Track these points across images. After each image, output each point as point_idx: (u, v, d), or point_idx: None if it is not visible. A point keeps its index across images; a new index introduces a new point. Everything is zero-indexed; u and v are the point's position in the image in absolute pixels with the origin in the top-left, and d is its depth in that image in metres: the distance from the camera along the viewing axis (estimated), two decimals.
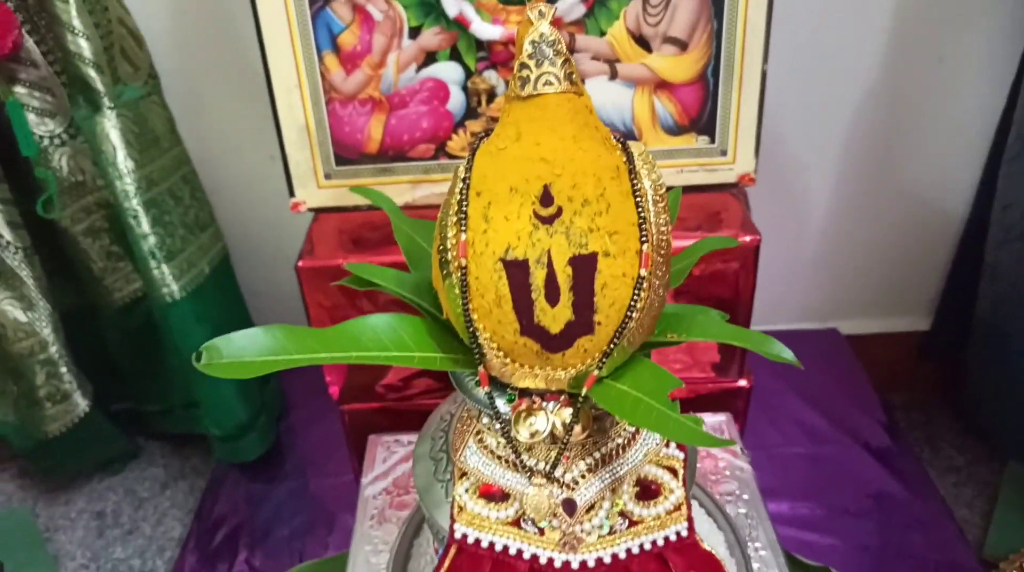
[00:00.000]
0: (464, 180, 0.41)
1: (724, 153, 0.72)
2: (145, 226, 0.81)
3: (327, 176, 0.73)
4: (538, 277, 0.40)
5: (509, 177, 0.40)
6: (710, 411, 0.74)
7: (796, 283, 1.07)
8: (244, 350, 0.42)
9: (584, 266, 0.40)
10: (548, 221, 0.40)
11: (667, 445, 0.48)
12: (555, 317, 0.40)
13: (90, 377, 0.96)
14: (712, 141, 0.71)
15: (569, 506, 0.45)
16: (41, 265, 0.88)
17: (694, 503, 0.48)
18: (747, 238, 0.67)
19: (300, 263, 0.69)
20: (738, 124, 0.70)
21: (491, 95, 0.69)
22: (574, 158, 0.40)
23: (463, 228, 0.41)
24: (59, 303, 0.91)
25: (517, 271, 0.40)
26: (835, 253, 1.04)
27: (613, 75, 0.69)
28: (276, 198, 0.98)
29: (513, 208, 0.40)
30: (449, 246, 0.41)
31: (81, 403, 0.95)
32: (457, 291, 0.41)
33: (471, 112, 0.70)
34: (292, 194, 0.73)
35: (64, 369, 0.91)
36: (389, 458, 0.72)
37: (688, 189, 0.73)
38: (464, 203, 0.41)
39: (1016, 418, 0.99)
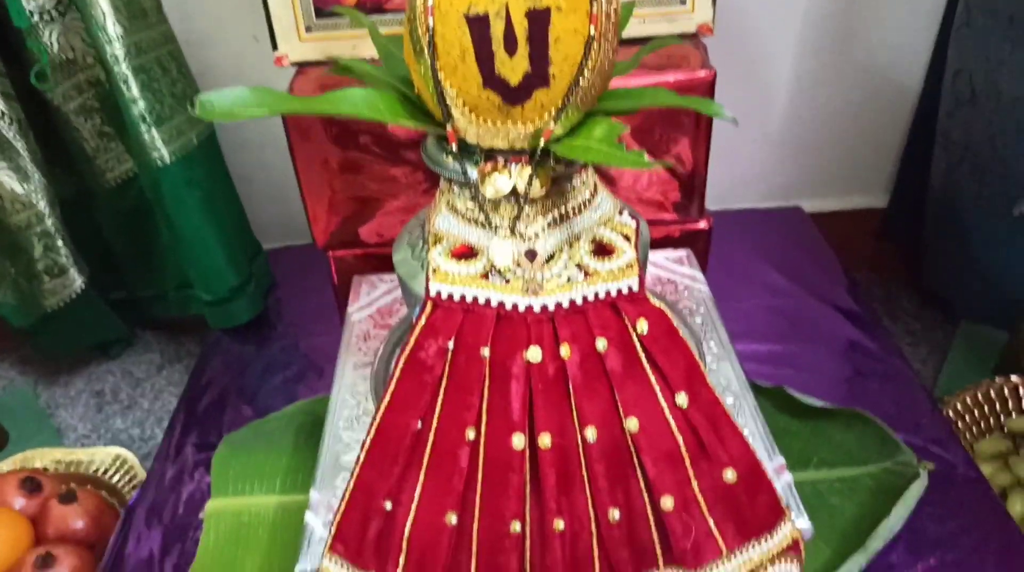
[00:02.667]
0: None
1: (683, 2, 0.76)
2: (135, 90, 0.84)
3: (308, 29, 0.76)
4: (497, 29, 0.44)
5: None
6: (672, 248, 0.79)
7: (760, 163, 1.11)
8: (233, 103, 0.46)
9: (539, 19, 0.44)
10: None
11: (620, 213, 0.53)
12: (514, 68, 0.45)
13: (90, 276, 1.00)
14: None
15: (531, 255, 0.50)
16: (36, 142, 0.92)
17: None
18: (702, 72, 0.72)
19: None
20: None
21: None
22: None
23: None
24: (55, 190, 0.95)
25: (479, 25, 0.44)
26: (797, 132, 1.08)
27: None
28: (261, 81, 1.02)
29: None
30: (418, 13, 0.46)
31: (77, 279, 0.99)
32: (426, 54, 0.46)
33: None
34: (275, 48, 0.77)
35: (60, 242, 0.95)
36: (372, 292, 0.77)
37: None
38: None
39: (969, 281, 1.05)
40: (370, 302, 0.75)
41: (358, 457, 0.51)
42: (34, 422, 1.05)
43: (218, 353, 0.95)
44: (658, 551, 0.50)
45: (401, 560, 0.50)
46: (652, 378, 0.50)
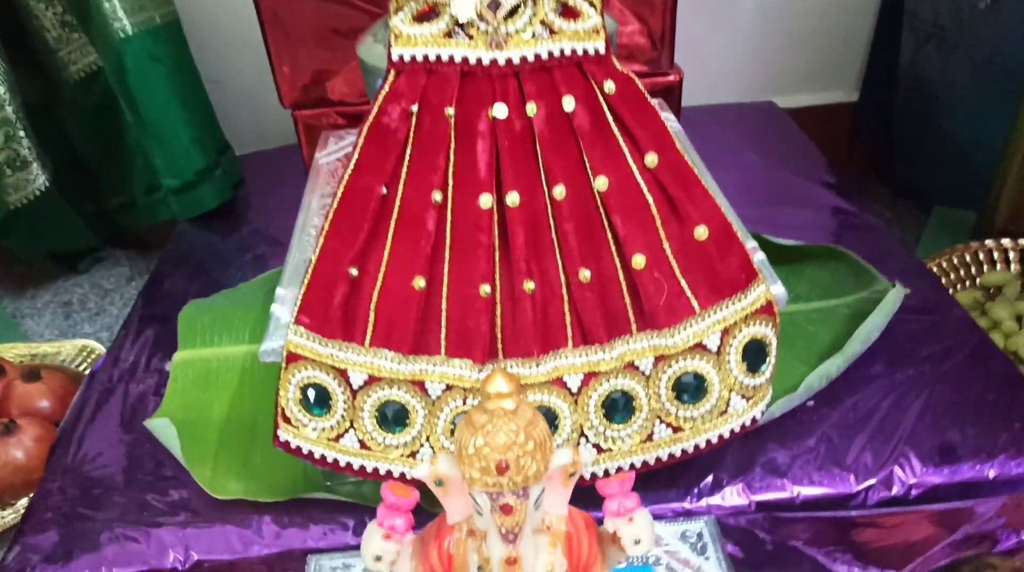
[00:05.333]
0: None
1: None
2: None
3: None
4: None
5: None
6: None
7: (732, 59, 1.11)
8: None
9: None
10: None
11: None
12: None
13: (55, 176, 0.98)
14: None
15: (493, 6, 0.49)
16: None
17: None
18: None
19: None
20: None
21: None
22: None
23: None
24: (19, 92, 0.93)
25: None
26: (767, 25, 1.09)
27: None
28: None
29: None
30: None
31: (40, 175, 0.97)
32: None
33: None
34: None
35: (22, 133, 0.93)
36: (340, 143, 0.75)
37: None
38: None
39: (939, 165, 1.05)
40: (338, 149, 0.74)
41: (322, 227, 0.50)
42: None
43: (185, 239, 0.93)
44: (631, 315, 0.49)
45: (369, 328, 0.49)
46: (620, 139, 0.50)
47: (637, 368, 0.49)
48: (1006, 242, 0.89)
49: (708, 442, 0.50)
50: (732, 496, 0.56)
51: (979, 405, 0.61)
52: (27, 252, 1.07)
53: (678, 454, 0.50)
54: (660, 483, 0.56)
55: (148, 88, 0.88)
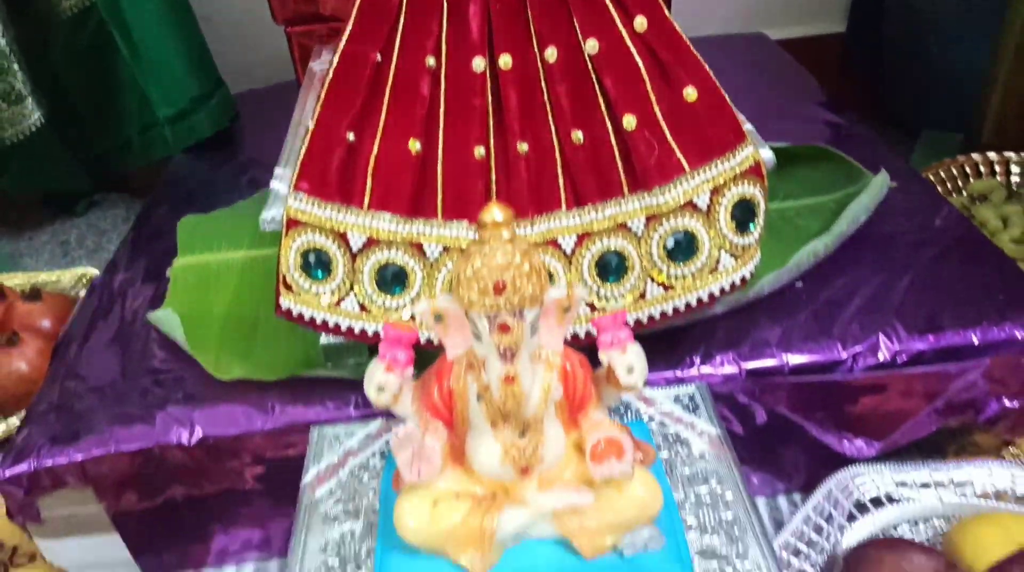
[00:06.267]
0: None
1: None
2: None
3: None
4: None
5: None
6: None
7: None
8: None
9: None
10: None
11: None
12: None
13: (49, 119, 0.99)
14: None
15: None
16: None
17: None
18: None
19: None
20: None
21: None
22: None
23: None
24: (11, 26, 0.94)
25: None
26: None
27: None
28: None
29: None
30: None
31: (35, 111, 0.97)
32: None
33: None
34: None
35: (16, 66, 0.94)
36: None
37: None
38: None
39: (927, 89, 1.06)
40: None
41: (318, 95, 0.51)
42: None
43: (182, 168, 0.94)
44: (622, 177, 0.50)
45: (367, 191, 0.50)
46: (609, 2, 0.51)
47: (629, 229, 0.50)
48: (991, 155, 0.91)
49: (699, 301, 0.51)
50: (723, 365, 0.57)
51: (965, 281, 0.62)
52: (21, 191, 1.08)
53: (670, 312, 0.51)
54: (652, 357, 0.56)
55: (141, 17, 0.89)
